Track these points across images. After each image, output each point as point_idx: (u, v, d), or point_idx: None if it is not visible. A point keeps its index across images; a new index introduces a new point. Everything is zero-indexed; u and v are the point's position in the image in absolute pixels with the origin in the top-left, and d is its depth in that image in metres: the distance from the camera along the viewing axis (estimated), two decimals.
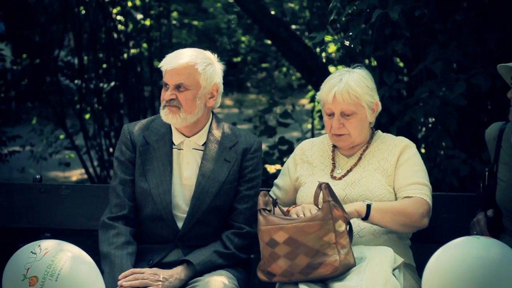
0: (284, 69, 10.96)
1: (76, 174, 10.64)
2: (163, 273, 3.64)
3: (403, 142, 3.90)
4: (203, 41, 11.76)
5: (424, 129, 5.66)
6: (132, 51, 9.00)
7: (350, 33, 4.91)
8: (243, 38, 12.35)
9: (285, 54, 7.37)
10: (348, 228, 3.53)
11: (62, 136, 9.58)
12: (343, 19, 5.08)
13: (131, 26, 8.98)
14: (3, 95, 8.83)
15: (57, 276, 3.31)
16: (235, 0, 7.27)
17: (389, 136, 3.97)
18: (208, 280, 3.63)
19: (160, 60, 3.82)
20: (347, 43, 4.92)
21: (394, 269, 3.52)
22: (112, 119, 8.81)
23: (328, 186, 3.56)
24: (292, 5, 9.56)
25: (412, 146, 3.90)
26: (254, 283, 3.94)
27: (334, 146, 3.97)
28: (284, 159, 7.28)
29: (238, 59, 12.65)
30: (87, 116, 9.00)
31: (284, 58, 8.89)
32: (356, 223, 3.70)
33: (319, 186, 3.57)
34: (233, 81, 13.62)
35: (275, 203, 3.70)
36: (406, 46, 5.15)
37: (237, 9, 9.67)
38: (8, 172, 9.14)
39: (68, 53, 9.68)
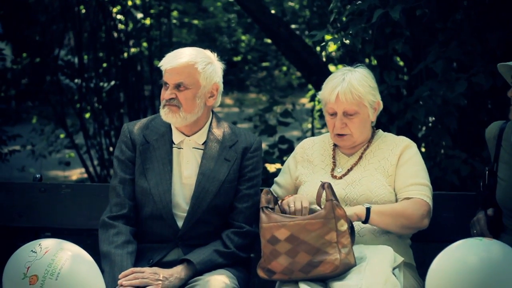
0: (284, 68, 10.94)
1: (76, 173, 10.64)
2: (163, 272, 3.64)
3: (404, 141, 3.90)
4: (203, 40, 11.74)
5: (424, 128, 5.65)
6: (132, 50, 8.99)
7: (350, 32, 4.90)
8: (243, 37, 12.33)
9: (285, 53, 7.37)
10: (350, 229, 3.53)
11: (62, 135, 9.58)
12: (344, 18, 5.08)
13: (131, 25, 8.97)
14: (3, 94, 8.84)
15: (57, 275, 3.31)
16: None
17: (390, 136, 3.97)
18: (208, 279, 3.63)
19: (160, 59, 3.82)
20: (347, 41, 4.92)
21: (394, 268, 3.52)
22: (112, 118, 8.80)
23: (330, 186, 3.56)
24: (292, 4, 9.56)
25: (413, 145, 3.90)
26: (254, 282, 3.94)
27: (335, 145, 3.97)
28: (284, 158, 7.28)
29: (238, 58, 12.63)
30: (87, 115, 8.99)
31: (284, 57, 8.89)
32: (357, 222, 3.70)
33: (322, 185, 3.58)
34: (233, 80, 13.59)
35: (276, 201, 3.71)
36: (406, 45, 5.14)
37: (237, 8, 9.66)
38: (8, 171, 9.14)
39: (68, 52, 9.68)
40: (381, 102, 3.92)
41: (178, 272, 3.68)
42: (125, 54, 8.86)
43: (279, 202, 3.75)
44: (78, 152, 8.91)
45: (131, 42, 9.02)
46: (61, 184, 4.43)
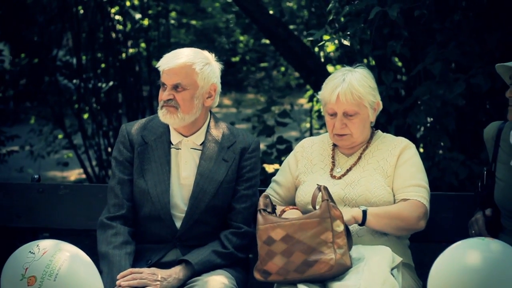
0: (283, 68, 10.94)
1: (74, 174, 10.64)
2: (161, 273, 3.64)
3: (402, 142, 3.90)
4: (202, 40, 11.75)
5: (422, 128, 5.66)
6: (131, 50, 8.99)
7: (348, 32, 4.90)
8: (241, 38, 12.34)
9: (283, 53, 7.37)
10: (346, 232, 3.53)
11: (60, 136, 9.58)
12: (342, 19, 5.08)
13: (129, 25, 8.97)
14: (2, 95, 8.83)
15: (55, 276, 3.31)
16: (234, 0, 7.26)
17: (389, 136, 3.97)
18: (206, 280, 3.63)
19: (158, 59, 3.82)
20: (346, 42, 4.92)
21: (392, 269, 3.52)
22: (110, 118, 8.80)
23: (326, 188, 3.57)
24: (290, 4, 9.56)
25: (412, 146, 3.90)
26: (252, 283, 3.94)
27: (334, 145, 3.97)
28: (282, 159, 7.27)
29: (237, 58, 12.64)
30: (86, 115, 8.99)
31: (283, 58, 8.88)
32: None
33: (318, 188, 3.58)
34: (231, 81, 13.61)
35: (274, 208, 3.71)
36: (404, 46, 5.14)
37: (235, 8, 9.66)
38: (7, 172, 9.14)
39: (66, 52, 9.69)
40: (380, 103, 3.92)
41: (176, 272, 3.68)
42: (123, 55, 8.86)
43: (278, 213, 3.74)
44: (76, 152, 8.91)
45: (129, 43, 9.02)
46: (60, 185, 4.43)
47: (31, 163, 10.05)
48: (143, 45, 9.21)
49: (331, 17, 5.13)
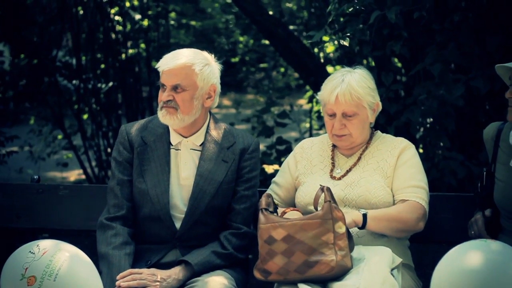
0: (282, 69, 10.95)
1: (74, 175, 10.63)
2: (161, 274, 3.64)
3: (402, 143, 3.90)
4: (201, 41, 11.76)
5: (422, 129, 5.66)
6: (130, 51, 8.99)
7: (348, 34, 4.90)
8: (241, 39, 12.34)
9: (283, 54, 7.37)
10: (347, 234, 3.53)
11: (60, 137, 9.58)
12: (341, 19, 5.08)
13: (129, 26, 8.97)
14: (1, 95, 8.82)
15: (55, 276, 3.31)
16: (233, 0, 7.26)
17: (388, 137, 3.97)
18: (206, 281, 3.63)
19: (158, 60, 3.81)
20: (345, 43, 4.92)
21: (392, 269, 3.52)
22: (110, 119, 8.80)
23: (329, 189, 3.57)
24: (290, 5, 9.57)
25: (411, 147, 3.90)
26: (252, 284, 3.94)
27: (334, 146, 3.97)
28: (282, 159, 7.28)
29: (236, 59, 12.65)
30: (85, 116, 8.99)
31: (282, 58, 8.89)
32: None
33: (321, 189, 3.57)
34: (231, 81, 13.62)
35: (275, 208, 3.71)
36: (404, 46, 5.14)
37: (235, 9, 9.66)
38: (6, 173, 9.14)
39: (66, 53, 9.68)
40: (380, 103, 3.92)
41: (176, 273, 3.68)
42: (123, 55, 8.86)
43: (279, 213, 3.74)
44: (76, 153, 8.91)
45: (129, 43, 9.02)
46: (59, 185, 4.43)
47: (30, 164, 10.05)
48: (142, 45, 9.21)
49: (331, 19, 5.13)
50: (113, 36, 8.79)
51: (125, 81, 8.85)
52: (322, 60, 7.29)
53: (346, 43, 4.90)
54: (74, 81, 8.89)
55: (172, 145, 3.86)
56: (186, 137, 3.86)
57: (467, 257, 3.18)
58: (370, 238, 3.74)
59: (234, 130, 3.96)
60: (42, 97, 8.86)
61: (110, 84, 8.78)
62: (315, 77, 6.58)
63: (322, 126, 8.38)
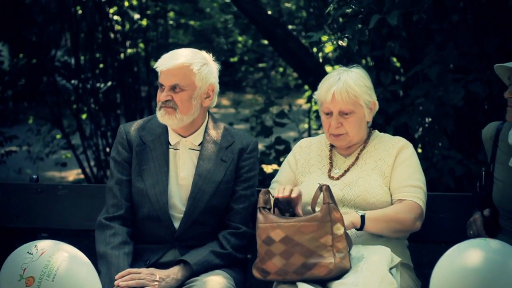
0: (281, 69, 10.96)
1: (72, 174, 10.63)
2: (159, 273, 3.64)
3: (400, 142, 3.90)
4: (200, 41, 11.76)
5: (421, 129, 5.66)
6: (129, 51, 8.99)
7: (347, 34, 4.90)
8: (239, 38, 12.35)
9: (281, 54, 7.37)
10: (345, 234, 3.52)
11: (58, 136, 9.58)
12: (340, 19, 5.08)
13: (127, 26, 8.96)
14: (0, 95, 8.82)
15: (53, 276, 3.30)
16: (232, 0, 7.26)
17: (386, 136, 3.97)
18: (205, 280, 3.63)
19: (156, 60, 3.81)
20: (343, 43, 4.91)
21: (391, 268, 3.52)
22: (108, 119, 8.79)
23: (328, 188, 3.56)
24: (289, 5, 9.56)
25: (409, 146, 3.89)
26: (251, 283, 3.94)
27: (332, 146, 3.97)
28: (281, 159, 7.28)
29: (235, 59, 12.65)
30: (84, 116, 8.99)
31: (281, 58, 8.90)
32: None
33: (320, 188, 3.57)
34: (229, 81, 13.62)
35: (276, 201, 3.68)
36: (403, 46, 5.14)
37: (233, 9, 9.67)
38: (5, 173, 9.13)
39: (65, 53, 9.67)
40: (377, 103, 3.92)
41: (174, 273, 3.68)
42: (122, 55, 8.86)
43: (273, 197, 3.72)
44: (74, 153, 8.91)
45: (127, 43, 9.01)
46: (58, 185, 4.43)
47: (29, 164, 10.05)
48: (141, 45, 9.21)
49: (330, 20, 5.13)
50: (112, 35, 8.78)
51: (124, 80, 8.85)
52: (321, 60, 7.28)
53: (344, 44, 4.90)
54: (72, 81, 8.89)
55: (170, 145, 3.86)
56: (184, 137, 3.86)
57: (467, 255, 3.18)
58: (368, 238, 3.73)
59: (232, 130, 3.96)
60: (41, 97, 8.86)
61: (109, 83, 8.77)
62: (314, 77, 6.58)
63: (320, 126, 8.35)
